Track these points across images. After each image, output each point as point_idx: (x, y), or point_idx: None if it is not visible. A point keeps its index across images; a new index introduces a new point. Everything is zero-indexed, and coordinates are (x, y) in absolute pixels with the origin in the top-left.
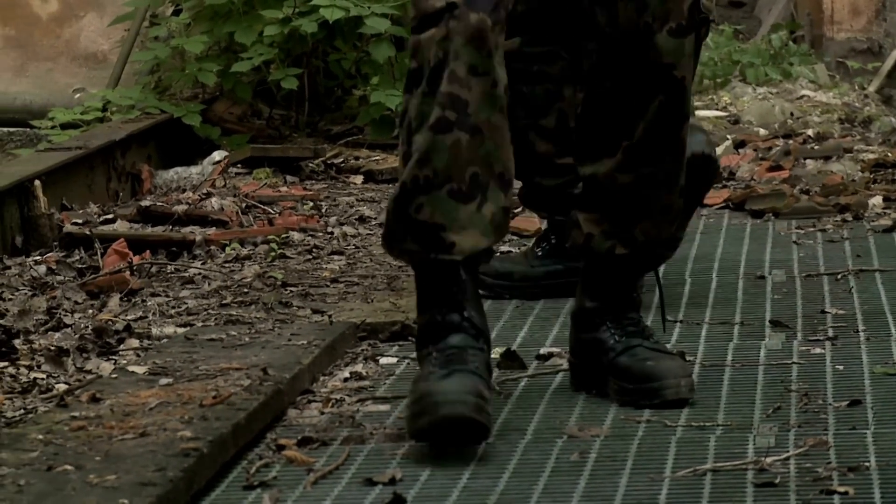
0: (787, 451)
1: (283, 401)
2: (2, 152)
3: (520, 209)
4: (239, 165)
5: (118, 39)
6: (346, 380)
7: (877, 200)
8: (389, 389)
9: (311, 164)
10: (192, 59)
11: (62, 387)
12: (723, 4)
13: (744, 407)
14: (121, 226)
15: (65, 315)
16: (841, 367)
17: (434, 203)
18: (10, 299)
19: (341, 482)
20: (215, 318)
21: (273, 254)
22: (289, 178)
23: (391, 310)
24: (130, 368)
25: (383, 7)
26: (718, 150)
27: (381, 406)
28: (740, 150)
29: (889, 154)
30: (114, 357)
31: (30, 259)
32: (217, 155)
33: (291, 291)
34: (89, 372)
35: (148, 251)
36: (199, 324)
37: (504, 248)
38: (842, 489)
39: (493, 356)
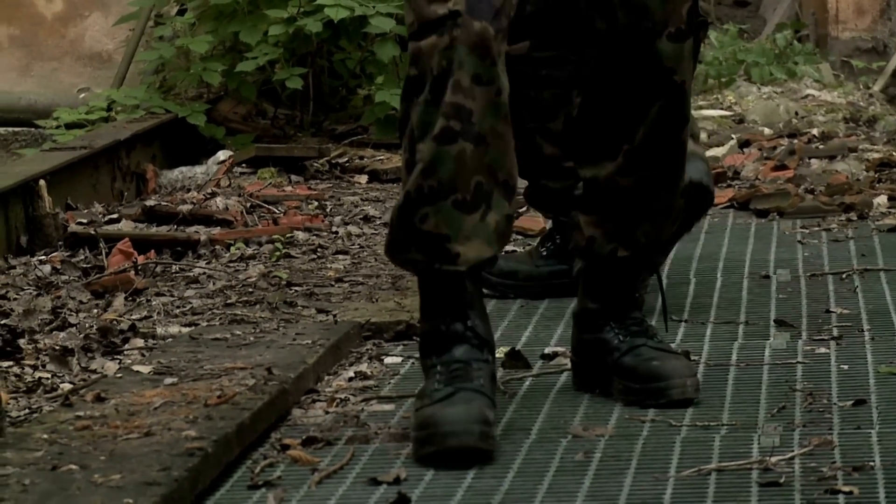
0: (792, 451)
1: (288, 400)
2: (6, 152)
3: (524, 209)
4: (244, 165)
5: (123, 39)
6: (350, 379)
7: (881, 200)
8: (394, 389)
9: (315, 164)
10: (197, 59)
11: (67, 386)
12: (727, 4)
13: (748, 406)
14: (125, 225)
15: (70, 315)
16: (846, 367)
17: (439, 214)
18: (15, 299)
19: (346, 482)
20: (220, 318)
21: (278, 253)
22: (293, 177)
23: (396, 309)
24: (135, 368)
25: (388, 6)
26: (723, 150)
27: (385, 406)
28: (745, 150)
29: (894, 153)
30: (118, 357)
31: (35, 259)
32: (222, 154)
33: (296, 291)
34: (94, 371)
35: (153, 251)
36: (204, 323)
37: (509, 248)
38: (846, 489)
39: (497, 356)
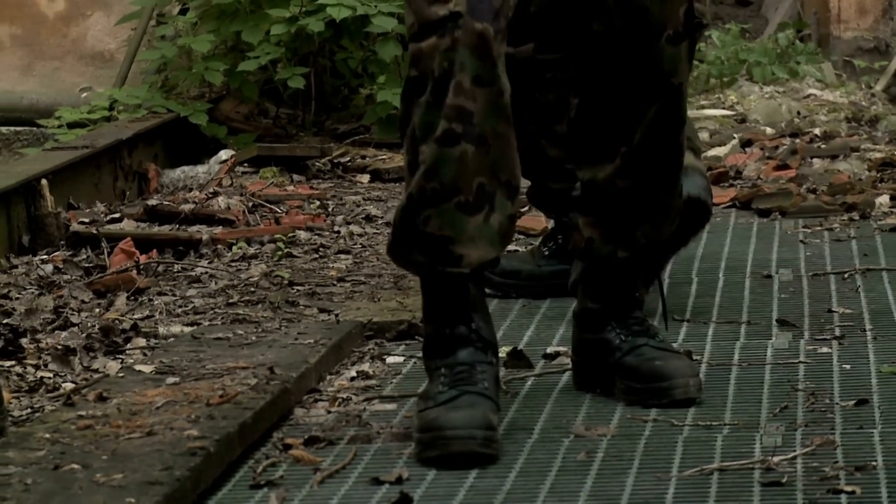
0: (794, 451)
1: (290, 400)
2: (8, 151)
3: (526, 208)
4: (245, 164)
5: (125, 38)
6: (352, 379)
7: (884, 199)
8: (396, 388)
9: (317, 163)
10: (199, 58)
11: (69, 386)
12: (729, 3)
13: (750, 406)
14: (127, 225)
15: (72, 314)
16: (848, 367)
17: (442, 216)
18: (17, 298)
19: (348, 481)
20: (222, 317)
21: (280, 253)
22: (295, 177)
23: (398, 309)
24: (137, 367)
25: (390, 6)
26: (725, 150)
27: (387, 405)
28: (747, 149)
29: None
30: (120, 356)
31: (37, 258)
32: (224, 154)
33: (298, 290)
34: (96, 371)
35: (155, 250)
36: (206, 323)
37: (511, 247)
38: (849, 488)
39: (500, 355)
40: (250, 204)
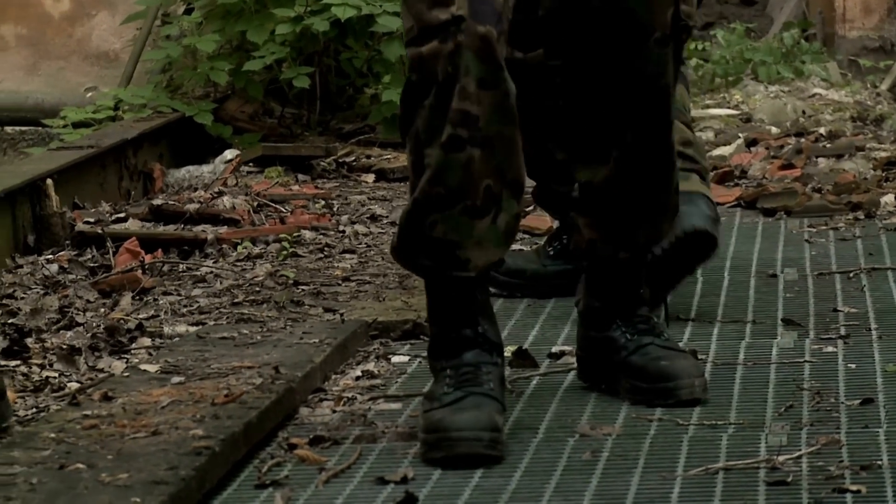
0: (800, 450)
1: (295, 399)
2: (14, 151)
3: (531, 207)
4: (251, 164)
5: (130, 38)
6: (357, 378)
7: (889, 198)
8: (401, 388)
9: (322, 163)
10: (204, 58)
11: (74, 385)
12: (734, 3)
13: (756, 405)
14: (133, 224)
15: (77, 314)
16: (853, 366)
17: (448, 221)
18: (23, 298)
19: (353, 481)
20: (227, 317)
21: (285, 252)
22: (300, 176)
23: (403, 308)
24: (142, 367)
25: (395, 5)
26: (730, 149)
27: (392, 404)
28: (752, 149)
29: None
30: (126, 356)
31: (42, 258)
32: (229, 153)
33: (303, 290)
34: (101, 370)
35: (160, 250)
36: (211, 322)
37: (516, 247)
38: (854, 487)
39: (505, 355)
40: (255, 203)
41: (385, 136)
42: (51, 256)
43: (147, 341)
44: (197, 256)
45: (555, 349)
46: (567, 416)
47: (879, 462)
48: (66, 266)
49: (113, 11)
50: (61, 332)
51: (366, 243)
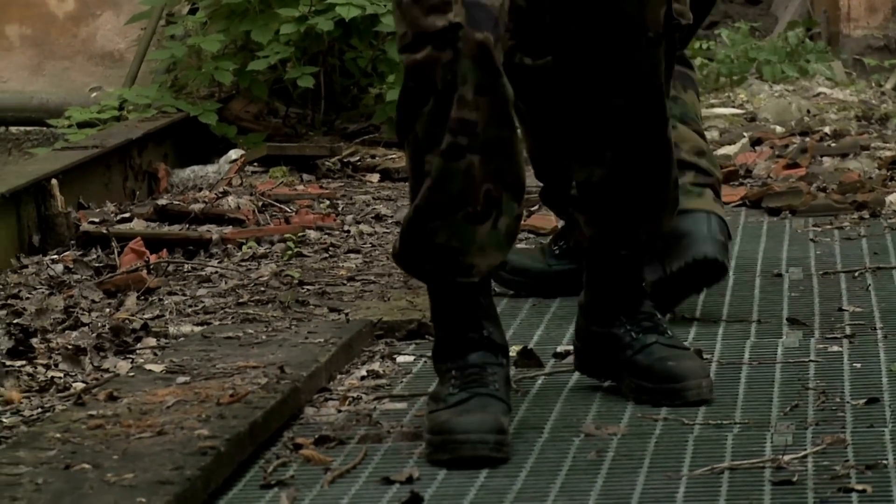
0: (805, 449)
1: (300, 399)
2: (18, 151)
3: (536, 207)
4: (255, 164)
5: (134, 38)
6: (363, 378)
7: (894, 197)
8: (406, 387)
9: (327, 163)
10: (209, 58)
11: (79, 385)
12: (739, 2)
13: (761, 405)
14: (137, 224)
15: (82, 314)
16: (858, 365)
17: (450, 228)
18: (28, 298)
19: (358, 481)
20: (232, 317)
21: (289, 252)
22: (305, 176)
23: (408, 308)
24: (147, 367)
25: None
26: (735, 148)
27: (398, 404)
28: (757, 148)
29: None
30: (131, 356)
31: (47, 258)
32: (233, 153)
33: (308, 290)
34: (106, 370)
35: (165, 250)
36: (216, 322)
37: (521, 246)
38: (859, 487)
39: (510, 355)
40: (260, 203)
41: (390, 135)
42: (56, 256)
43: (152, 341)
44: (202, 256)
45: (560, 349)
46: (572, 415)
47: (885, 461)
48: (71, 266)
49: (117, 11)
50: (66, 332)
51: (370, 243)
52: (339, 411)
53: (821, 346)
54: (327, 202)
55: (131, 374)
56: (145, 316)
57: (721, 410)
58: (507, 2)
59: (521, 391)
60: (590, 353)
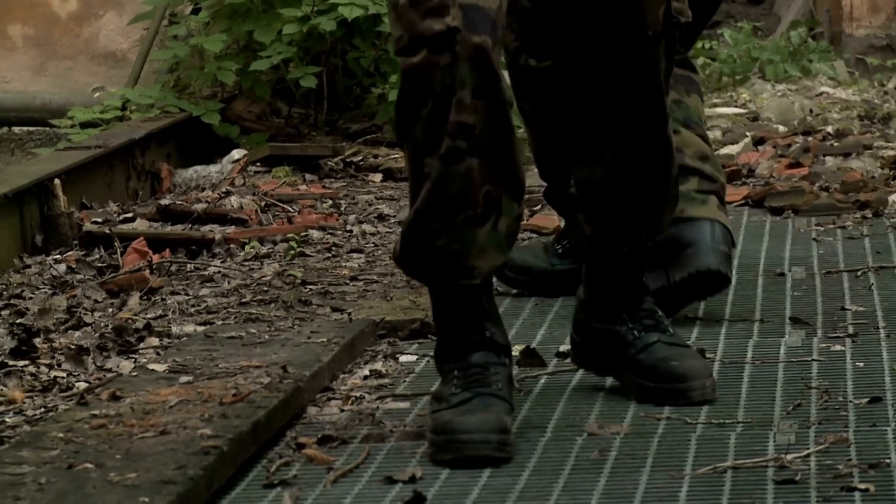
0: (808, 449)
1: (303, 399)
2: (21, 151)
3: (539, 206)
4: (258, 164)
5: (137, 38)
6: (365, 377)
7: None
8: (409, 387)
9: (330, 163)
10: (212, 58)
11: (82, 385)
12: (742, 2)
13: (764, 404)
14: (140, 224)
15: (85, 314)
16: (861, 364)
17: (450, 231)
18: (31, 298)
19: (361, 480)
20: (235, 317)
21: (292, 252)
22: (308, 176)
23: (411, 307)
24: (150, 367)
25: None
26: (737, 148)
27: (400, 404)
28: (759, 147)
29: None
30: (134, 355)
31: (50, 258)
32: (236, 153)
33: (311, 289)
34: (109, 370)
35: (167, 250)
36: (219, 322)
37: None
38: (862, 486)
39: (513, 354)
40: (263, 203)
41: (392, 135)
42: (59, 256)
43: (155, 341)
44: (205, 256)
45: (563, 348)
46: (575, 414)
47: (888, 460)
48: (73, 266)
49: (120, 11)
50: (69, 331)
51: (373, 243)
52: (342, 411)
53: (823, 345)
54: (330, 202)
55: (134, 373)
56: (148, 316)
57: (724, 409)
58: (505, 3)
59: (524, 390)
60: (590, 348)
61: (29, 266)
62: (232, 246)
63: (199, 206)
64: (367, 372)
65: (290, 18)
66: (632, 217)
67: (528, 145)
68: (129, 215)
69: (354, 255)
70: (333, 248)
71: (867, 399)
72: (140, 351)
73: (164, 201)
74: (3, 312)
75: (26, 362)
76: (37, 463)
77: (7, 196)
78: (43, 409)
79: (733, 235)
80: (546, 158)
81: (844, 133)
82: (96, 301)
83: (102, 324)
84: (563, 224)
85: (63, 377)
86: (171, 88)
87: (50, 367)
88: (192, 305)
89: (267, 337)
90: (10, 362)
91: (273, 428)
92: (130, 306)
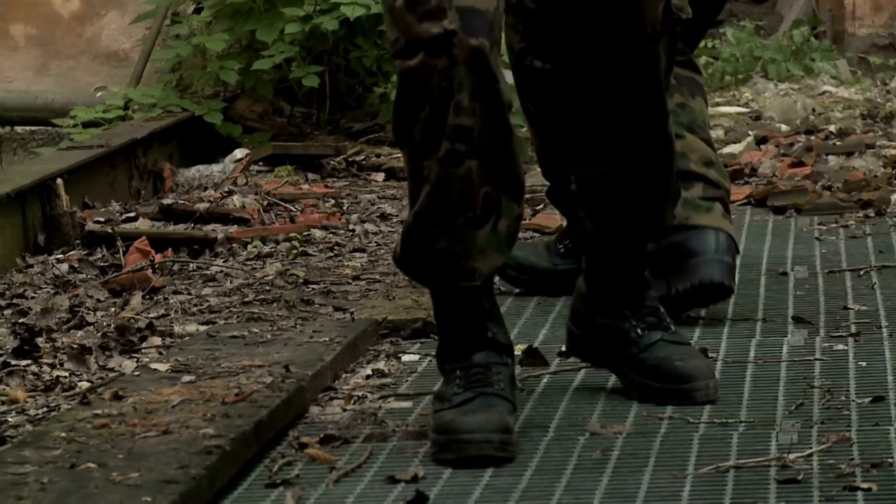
0: (810, 448)
1: (306, 398)
2: (24, 151)
3: (541, 206)
4: (260, 163)
5: (139, 38)
6: (368, 377)
7: None
8: (411, 386)
9: (332, 162)
10: (214, 57)
11: (85, 385)
12: (744, 1)
13: (766, 403)
14: (143, 224)
15: (87, 313)
16: (864, 364)
17: (451, 233)
18: (33, 297)
19: (364, 480)
20: (237, 316)
21: (295, 251)
22: (310, 175)
23: (413, 307)
24: (153, 366)
25: None
26: (740, 147)
27: (403, 403)
28: (762, 147)
29: None
30: (136, 355)
31: (52, 257)
32: (238, 153)
33: (313, 289)
34: (112, 370)
35: (170, 249)
36: (222, 321)
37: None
38: (865, 486)
39: (515, 353)
40: (265, 203)
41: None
42: (61, 256)
43: (157, 340)
44: (207, 255)
45: (565, 347)
46: (577, 414)
47: (890, 460)
48: (76, 265)
49: (122, 11)
50: (72, 331)
51: (376, 242)
52: (345, 410)
53: (826, 344)
54: (332, 201)
55: (136, 373)
56: (150, 315)
57: (726, 409)
58: (503, 5)
59: (527, 390)
60: (590, 342)
61: (31, 265)
62: (234, 245)
63: (202, 206)
64: (369, 371)
65: (292, 18)
66: (633, 214)
67: (532, 145)
68: (132, 215)
69: (357, 255)
70: (336, 247)
71: (870, 398)
72: (142, 350)
73: (167, 201)
74: (5, 312)
75: (29, 362)
76: (39, 462)
77: (9, 195)
78: (45, 409)
79: (737, 243)
80: (549, 158)
81: (847, 132)
82: (99, 300)
83: (105, 323)
84: (565, 223)
85: (65, 377)
86: (174, 88)
87: (52, 366)
88: (195, 305)
89: (269, 336)
90: (13, 362)
91: (275, 427)
92: (133, 306)
